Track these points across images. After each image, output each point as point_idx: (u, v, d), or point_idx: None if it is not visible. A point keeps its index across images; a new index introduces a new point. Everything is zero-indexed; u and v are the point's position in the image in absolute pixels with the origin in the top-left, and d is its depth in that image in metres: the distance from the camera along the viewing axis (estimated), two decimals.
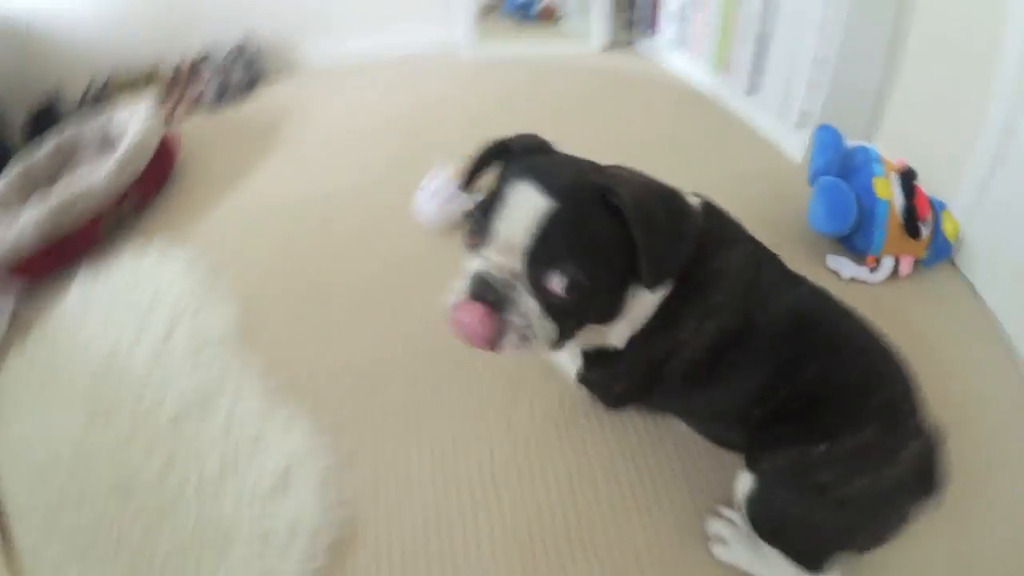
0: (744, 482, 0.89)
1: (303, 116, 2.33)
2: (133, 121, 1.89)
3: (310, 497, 0.98)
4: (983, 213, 1.78)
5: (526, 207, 0.75)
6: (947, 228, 1.76)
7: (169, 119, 2.40)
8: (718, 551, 0.97)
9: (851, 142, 1.83)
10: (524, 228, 0.74)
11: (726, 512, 1.00)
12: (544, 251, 0.74)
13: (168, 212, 1.78)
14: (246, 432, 1.08)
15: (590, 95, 2.47)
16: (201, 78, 2.59)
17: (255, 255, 1.55)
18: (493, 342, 0.74)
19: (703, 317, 0.89)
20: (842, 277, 1.72)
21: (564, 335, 0.81)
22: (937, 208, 1.77)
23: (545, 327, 0.78)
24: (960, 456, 1.01)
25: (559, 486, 1.03)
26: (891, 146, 2.01)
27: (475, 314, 0.72)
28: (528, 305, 0.75)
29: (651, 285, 0.80)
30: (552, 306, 0.77)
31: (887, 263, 1.71)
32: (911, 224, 1.68)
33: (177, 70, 2.63)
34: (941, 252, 1.79)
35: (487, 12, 3.10)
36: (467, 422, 1.13)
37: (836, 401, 0.85)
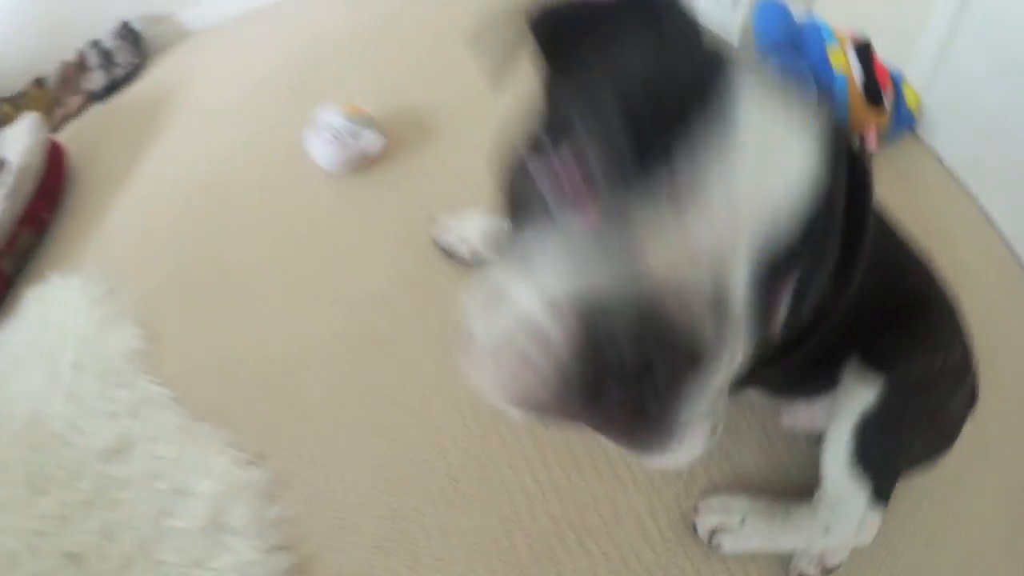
0: (862, 390, 0.75)
1: (187, 89, 2.04)
2: (15, 142, 1.67)
3: (248, 541, 0.85)
4: (942, 83, 1.72)
5: (793, 158, 0.38)
6: (909, 97, 1.70)
7: (61, 124, 2.14)
8: (727, 544, 0.86)
9: (796, 16, 1.70)
10: (783, 193, 0.36)
11: (715, 501, 0.89)
12: (806, 235, 0.37)
13: (65, 232, 1.57)
14: (166, 474, 0.96)
15: None
16: (88, 69, 2.29)
17: (151, 261, 1.35)
18: (646, 443, 0.37)
19: None
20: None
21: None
22: (896, 78, 1.69)
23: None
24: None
25: (531, 467, 0.91)
26: (836, 21, 1.89)
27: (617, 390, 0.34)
28: (735, 356, 0.38)
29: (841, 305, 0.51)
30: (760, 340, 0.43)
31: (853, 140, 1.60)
32: (874, 96, 1.57)
33: (63, 71, 2.35)
34: (904, 122, 1.73)
35: None
36: (408, 410, 0.97)
37: (935, 315, 0.80)
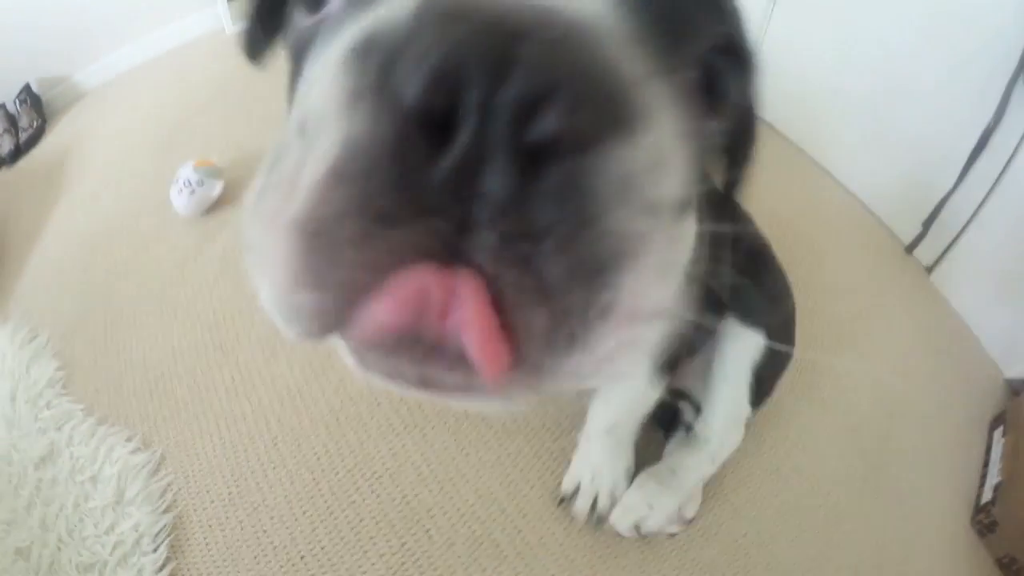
0: (750, 339, 0.86)
1: (82, 149, 2.14)
2: None
3: (142, 507, 1.06)
4: (766, 57, 1.91)
5: None
6: None
7: None
8: (650, 527, 0.92)
9: None
10: None
11: (620, 507, 0.93)
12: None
13: None
14: (84, 469, 1.14)
15: None
16: None
17: (62, 305, 1.49)
18: (576, 335, 0.22)
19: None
20: None
21: None
22: None
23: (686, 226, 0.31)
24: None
25: (382, 436, 1.07)
26: None
27: (486, 212, 0.19)
28: (670, 129, 0.23)
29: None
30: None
31: None
32: None
33: None
34: None
35: None
36: (246, 400, 1.15)
37: (775, 268, 0.93)
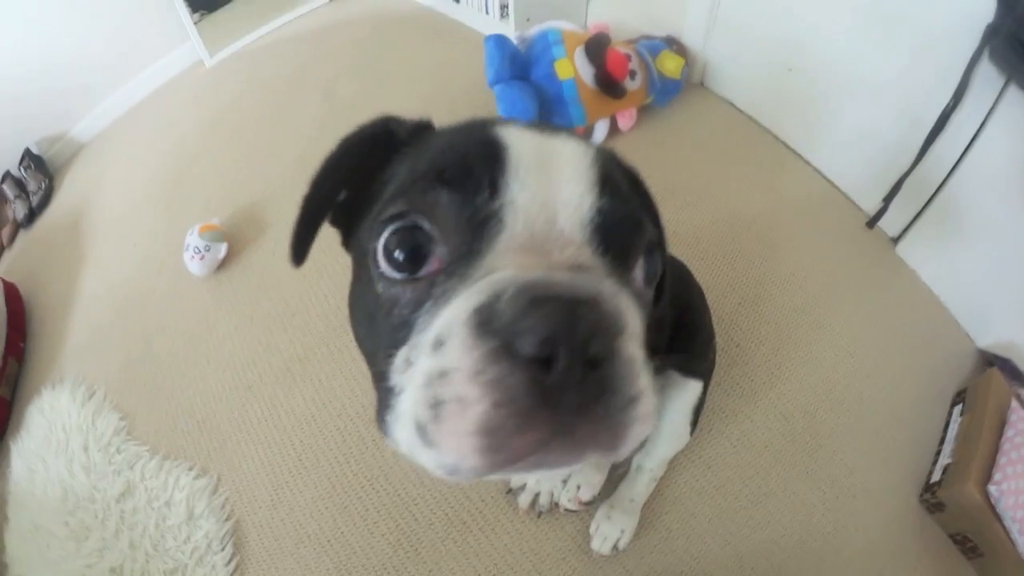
0: (691, 387, 1.12)
1: (91, 208, 2.49)
2: None
3: (208, 519, 1.48)
4: (716, 36, 1.94)
5: (567, 154, 0.46)
6: (668, 68, 1.87)
7: None
8: (624, 543, 1.24)
9: (535, 28, 1.89)
10: (578, 184, 0.44)
11: (598, 533, 1.24)
12: (626, 216, 0.46)
13: (40, 351, 2.05)
14: (159, 497, 1.54)
15: (336, 49, 2.69)
16: (7, 201, 2.66)
17: (108, 361, 1.88)
18: (620, 435, 0.39)
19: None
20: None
21: None
22: (649, 55, 1.88)
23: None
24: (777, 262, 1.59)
25: (376, 447, 1.45)
26: (609, 9, 2.19)
27: (577, 399, 0.36)
28: (637, 322, 0.41)
29: (665, 285, 0.61)
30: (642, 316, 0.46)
31: (600, 128, 1.90)
32: (609, 87, 1.77)
33: None
34: (670, 91, 1.94)
35: (216, 6, 2.95)
36: (278, 430, 1.57)
37: (704, 320, 1.19)
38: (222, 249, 1.93)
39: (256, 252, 1.98)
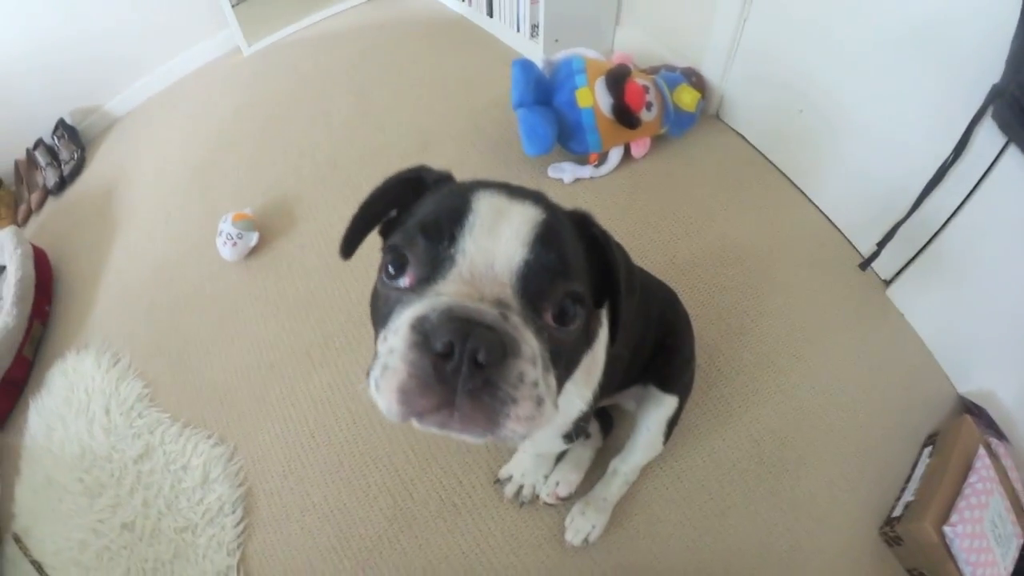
0: (668, 403, 1.28)
1: (123, 180, 2.64)
2: (4, 255, 2.18)
3: (223, 484, 1.62)
4: (735, 71, 2.03)
5: (515, 217, 0.63)
6: (684, 101, 1.97)
7: (26, 219, 2.71)
8: (595, 537, 1.40)
9: (562, 53, 1.99)
10: (515, 241, 0.61)
11: (572, 525, 1.41)
12: (546, 268, 0.61)
13: (66, 316, 2.19)
14: (176, 461, 1.69)
15: (371, 49, 2.84)
16: (39, 167, 2.81)
17: (135, 331, 2.02)
18: (494, 421, 0.56)
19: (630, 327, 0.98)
20: (566, 182, 1.98)
21: (560, 390, 0.66)
22: (666, 87, 1.98)
23: (550, 381, 0.60)
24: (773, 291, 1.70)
25: (382, 430, 1.60)
26: (635, 35, 2.28)
27: (462, 385, 0.54)
28: (534, 348, 0.58)
29: (620, 332, 0.75)
30: (553, 349, 0.62)
31: (614, 155, 1.99)
32: (624, 118, 1.88)
33: (17, 170, 2.84)
34: (684, 123, 2.04)
35: None
36: (292, 406, 1.73)
37: (685, 337, 1.33)
38: (254, 238, 2.08)
39: (286, 244, 2.13)
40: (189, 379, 1.87)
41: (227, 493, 1.63)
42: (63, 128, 2.91)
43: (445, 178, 0.78)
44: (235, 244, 2.07)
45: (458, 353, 0.52)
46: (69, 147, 2.86)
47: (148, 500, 1.65)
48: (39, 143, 2.88)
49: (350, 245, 0.78)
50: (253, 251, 2.12)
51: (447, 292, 0.58)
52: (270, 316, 1.95)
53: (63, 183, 2.79)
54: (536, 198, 0.68)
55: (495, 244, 0.60)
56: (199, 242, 2.21)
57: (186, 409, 1.79)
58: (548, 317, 0.62)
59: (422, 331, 0.54)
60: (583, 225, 0.72)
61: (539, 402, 0.57)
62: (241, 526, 1.58)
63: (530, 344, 0.57)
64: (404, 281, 0.63)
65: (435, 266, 0.61)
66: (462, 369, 0.53)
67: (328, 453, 1.63)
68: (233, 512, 1.61)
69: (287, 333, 1.89)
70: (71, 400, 1.93)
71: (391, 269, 0.64)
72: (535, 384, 0.56)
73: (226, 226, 2.07)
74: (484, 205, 0.64)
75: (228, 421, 1.75)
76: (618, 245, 0.75)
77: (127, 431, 1.80)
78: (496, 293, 0.58)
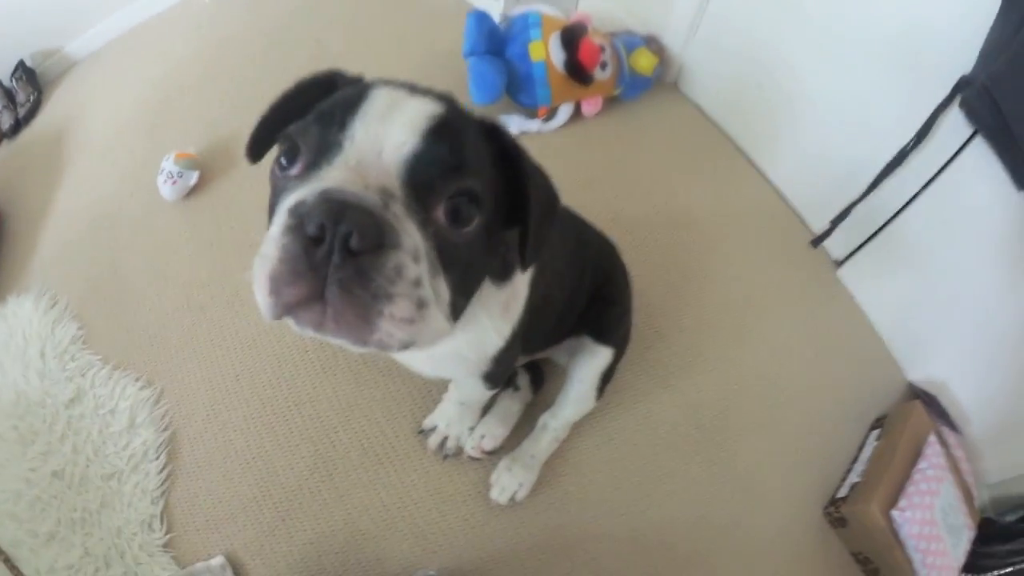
0: (602, 354, 1.23)
1: (77, 124, 2.56)
2: None
3: (148, 428, 1.57)
4: (697, 42, 2.01)
5: (409, 108, 0.59)
6: (640, 64, 1.95)
7: None
8: (521, 495, 1.35)
9: (520, 8, 1.96)
10: (406, 129, 0.57)
11: (497, 481, 1.35)
12: (438, 158, 0.57)
13: (10, 261, 2.15)
14: (105, 405, 1.64)
15: (332, 2, 2.69)
16: None
17: (75, 275, 1.98)
18: (367, 320, 0.51)
19: (563, 271, 1.02)
20: (512, 134, 1.99)
21: (456, 305, 0.61)
22: (624, 50, 1.96)
23: (439, 287, 0.57)
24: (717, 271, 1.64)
25: (307, 375, 1.55)
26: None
27: (333, 274, 0.50)
28: (417, 243, 0.53)
29: (533, 258, 0.70)
30: (444, 250, 0.57)
31: (563, 111, 1.99)
32: (577, 74, 1.87)
33: None
34: (639, 86, 2.03)
35: None
36: (218, 347, 1.68)
37: (622, 286, 1.29)
38: (193, 176, 2.00)
39: (225, 183, 2.04)
40: (122, 321, 1.80)
41: (152, 438, 1.59)
42: (22, 70, 2.81)
43: (358, 81, 0.72)
44: (175, 182, 1.97)
45: (329, 237, 0.49)
46: (26, 89, 2.77)
47: (77, 446, 1.62)
48: None
49: (257, 146, 0.77)
50: (193, 191, 2.03)
51: (331, 178, 0.54)
52: (205, 255, 1.88)
53: (18, 126, 2.70)
54: (441, 97, 0.64)
55: (385, 131, 0.57)
56: (143, 183, 2.12)
57: (118, 351, 1.74)
58: (439, 214, 0.57)
59: (297, 215, 0.51)
60: (493, 134, 0.67)
61: (421, 304, 0.53)
62: (164, 472, 1.53)
63: (412, 236, 0.53)
64: (294, 171, 0.60)
65: (323, 151, 0.57)
66: (333, 256, 0.49)
67: (251, 396, 1.55)
68: (157, 458, 1.55)
69: (220, 273, 1.81)
70: (9, 345, 1.87)
71: (283, 160, 0.61)
72: (416, 283, 0.52)
73: (167, 164, 1.98)
74: (381, 95, 0.60)
75: (156, 363, 1.69)
76: (537, 166, 0.70)
77: (60, 375, 1.75)
78: (382, 182, 0.54)
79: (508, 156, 0.66)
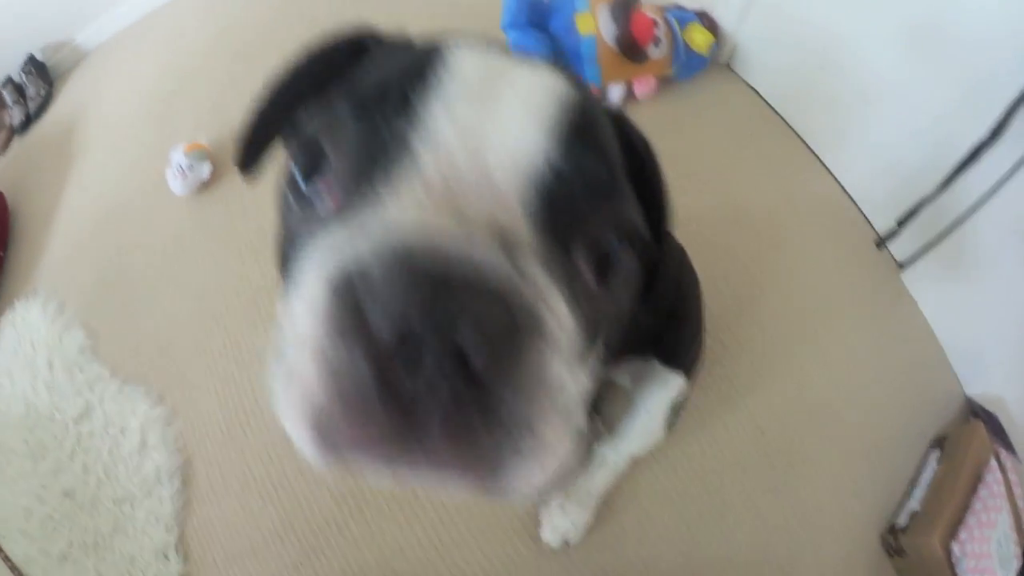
0: (673, 381, 1.04)
1: (86, 119, 2.45)
2: None
3: (160, 451, 1.45)
4: (752, 18, 1.85)
5: (522, 84, 0.37)
6: (696, 41, 1.76)
7: None
8: (573, 539, 1.19)
9: None
10: (529, 121, 0.35)
11: (550, 521, 1.19)
12: (588, 175, 0.36)
13: (17, 263, 2.03)
14: (114, 422, 1.52)
15: None
16: (6, 106, 2.60)
17: (82, 278, 1.86)
18: (493, 464, 0.31)
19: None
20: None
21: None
22: (678, 25, 1.78)
23: (579, 381, 0.34)
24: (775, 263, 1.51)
25: None
26: None
27: (429, 399, 0.28)
28: (564, 321, 0.32)
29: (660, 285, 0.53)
30: (585, 318, 0.35)
31: (614, 92, 1.79)
32: (630, 51, 1.69)
33: None
34: (695, 66, 1.85)
35: None
36: (236, 364, 1.55)
37: (695, 309, 1.08)
38: (205, 169, 1.84)
39: (239, 177, 1.92)
40: (131, 328, 1.67)
41: (165, 461, 1.46)
42: (32, 64, 2.70)
43: (406, 43, 0.47)
44: (185, 176, 1.81)
45: (425, 345, 0.27)
46: (37, 83, 2.67)
47: (88, 465, 1.52)
48: (7, 81, 2.67)
49: (253, 152, 0.55)
50: (206, 185, 1.87)
51: (398, 217, 0.31)
52: (218, 256, 1.72)
53: (28, 121, 2.60)
54: (553, 67, 0.41)
55: (491, 126, 0.34)
56: (152, 178, 1.97)
57: (127, 362, 1.61)
58: (581, 264, 0.36)
59: (350, 298, 0.28)
60: (620, 126, 0.46)
61: (567, 416, 0.31)
62: (179, 500, 1.41)
63: (557, 312, 0.31)
64: (322, 198, 0.37)
65: (373, 162, 0.34)
66: (429, 375, 0.27)
67: (271, 419, 1.29)
68: (170, 483, 1.43)
69: (235, 277, 1.65)
70: (18, 353, 1.78)
71: (299, 176, 0.38)
72: (561, 388, 0.30)
73: (177, 156, 1.82)
74: (468, 62, 0.37)
75: (167, 377, 1.55)
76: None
77: (68, 387, 1.65)
78: (487, 217, 0.31)
79: (633, 157, 0.45)
